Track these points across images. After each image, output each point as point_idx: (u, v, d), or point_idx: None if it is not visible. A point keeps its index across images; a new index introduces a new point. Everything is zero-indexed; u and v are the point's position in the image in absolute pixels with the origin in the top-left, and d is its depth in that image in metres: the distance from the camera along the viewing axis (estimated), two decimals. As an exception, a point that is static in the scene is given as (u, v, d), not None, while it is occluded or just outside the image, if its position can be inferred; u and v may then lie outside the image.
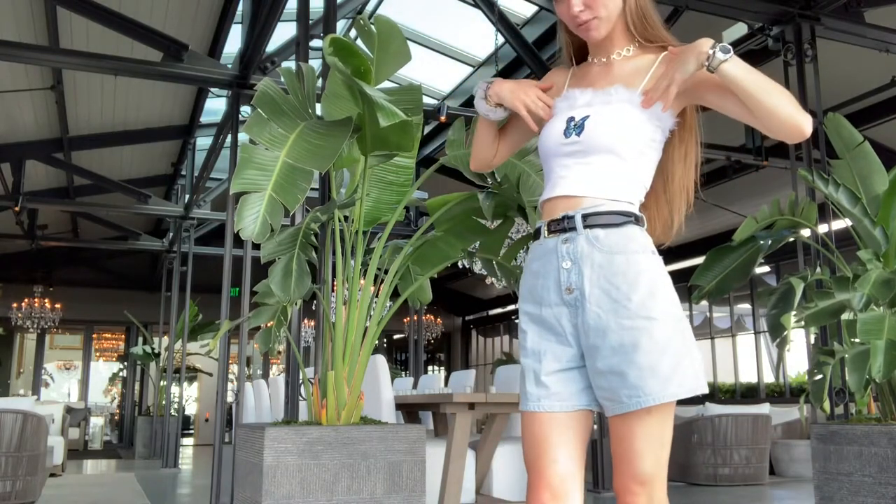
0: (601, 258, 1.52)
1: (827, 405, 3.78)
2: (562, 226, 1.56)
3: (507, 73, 8.11)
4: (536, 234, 1.64)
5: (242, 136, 6.35)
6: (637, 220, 1.60)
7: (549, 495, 1.51)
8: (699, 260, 4.18)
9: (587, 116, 1.59)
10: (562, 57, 1.80)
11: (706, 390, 1.54)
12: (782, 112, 1.46)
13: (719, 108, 1.58)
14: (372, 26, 2.87)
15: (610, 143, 1.56)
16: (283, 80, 2.95)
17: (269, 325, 3.61)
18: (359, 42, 2.95)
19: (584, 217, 1.55)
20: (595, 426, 6.60)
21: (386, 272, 3.30)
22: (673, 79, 1.51)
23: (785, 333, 3.73)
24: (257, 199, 2.61)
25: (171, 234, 11.13)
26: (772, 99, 1.46)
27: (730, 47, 1.47)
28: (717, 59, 1.46)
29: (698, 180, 1.77)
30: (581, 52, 1.77)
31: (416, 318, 11.89)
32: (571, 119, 1.61)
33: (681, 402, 1.55)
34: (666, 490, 1.53)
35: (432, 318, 15.29)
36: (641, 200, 1.65)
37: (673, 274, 1.57)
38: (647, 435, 1.47)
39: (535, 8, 7.63)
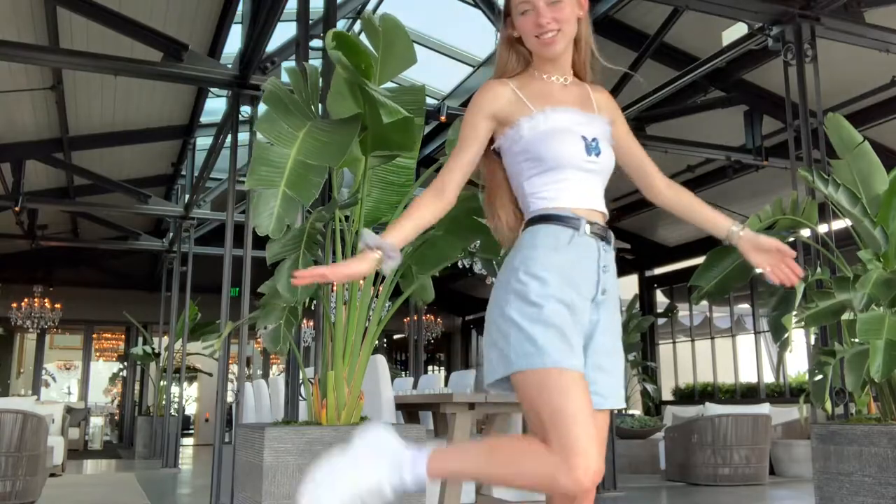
0: (616, 275, 1.76)
1: (828, 405, 3.78)
2: (602, 234, 1.73)
3: (507, 73, 8.10)
4: (557, 221, 1.70)
5: (243, 136, 6.36)
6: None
7: (595, 448, 1.52)
8: (699, 260, 4.18)
9: (596, 139, 1.75)
10: (506, 72, 1.84)
11: None
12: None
13: (620, 155, 1.86)
14: (379, 25, 2.87)
15: (610, 167, 1.80)
16: (286, 79, 2.96)
17: (279, 323, 3.61)
18: (363, 39, 2.95)
19: (613, 237, 1.77)
20: (595, 426, 6.59)
21: (386, 272, 3.30)
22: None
23: (787, 334, 3.73)
24: (271, 196, 2.63)
25: (171, 234, 11.13)
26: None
27: None
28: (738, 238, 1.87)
29: None
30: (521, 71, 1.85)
31: (416, 318, 11.89)
32: (584, 138, 1.74)
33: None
34: None
35: (432, 318, 15.28)
36: None
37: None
38: (606, 432, 1.71)
39: (535, 8, 7.63)
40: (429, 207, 1.76)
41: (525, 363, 1.59)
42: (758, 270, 1.89)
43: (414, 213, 1.76)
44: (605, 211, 1.77)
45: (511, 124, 1.75)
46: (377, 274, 3.28)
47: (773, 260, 1.82)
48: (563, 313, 1.62)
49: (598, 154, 1.74)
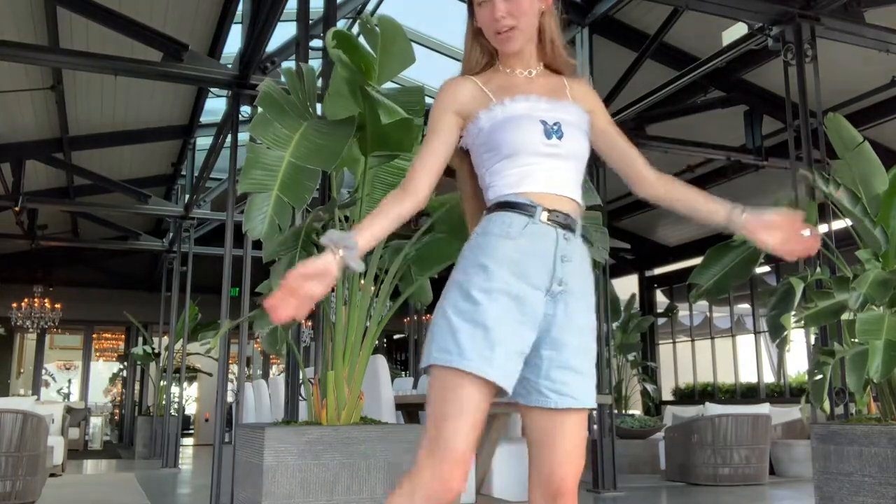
0: (584, 266, 1.67)
1: (827, 405, 3.78)
2: (564, 221, 1.64)
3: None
4: (512, 208, 1.63)
5: (243, 136, 6.36)
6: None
7: (463, 474, 1.52)
8: (699, 260, 4.18)
9: (558, 122, 1.67)
10: (471, 65, 1.80)
11: None
12: None
13: (600, 146, 1.80)
14: (376, 26, 2.87)
15: (580, 151, 1.70)
16: (283, 80, 2.95)
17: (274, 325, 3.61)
18: (362, 41, 2.95)
19: (581, 226, 1.68)
20: (595, 426, 6.59)
21: (386, 273, 3.30)
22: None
23: (785, 334, 3.72)
24: (264, 199, 2.62)
25: (171, 234, 11.12)
26: None
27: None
28: (740, 220, 1.69)
29: None
30: (486, 67, 1.79)
31: (416, 318, 11.89)
32: (545, 122, 1.66)
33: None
34: None
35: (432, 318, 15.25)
36: None
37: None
38: (583, 433, 1.63)
39: (535, 8, 7.63)
40: (398, 206, 1.65)
41: (441, 359, 1.54)
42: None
43: (384, 212, 1.64)
44: (576, 198, 1.67)
45: (472, 119, 1.70)
46: (377, 275, 3.28)
47: (785, 234, 1.65)
48: (504, 311, 1.54)
49: (560, 137, 1.65)
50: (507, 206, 1.63)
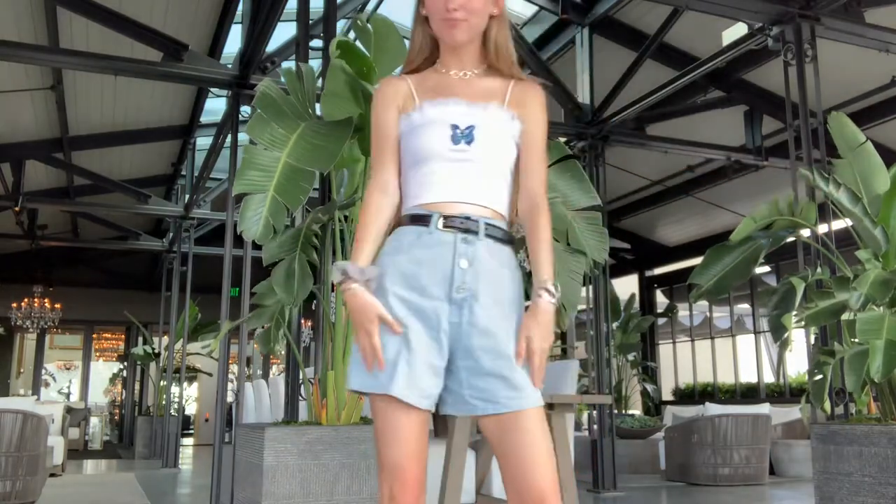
0: (495, 269, 1.60)
1: (827, 405, 3.78)
2: (464, 225, 1.60)
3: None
4: (414, 221, 1.63)
5: (243, 137, 6.35)
6: (514, 243, 1.69)
7: (412, 489, 1.55)
8: (699, 260, 4.18)
9: (472, 126, 1.64)
10: (404, 69, 1.80)
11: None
12: None
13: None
14: (369, 26, 2.88)
15: (495, 156, 1.65)
16: (283, 80, 2.95)
17: (265, 326, 3.61)
18: (359, 44, 2.96)
19: (486, 226, 1.61)
20: (595, 426, 6.59)
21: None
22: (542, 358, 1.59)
23: (787, 334, 3.72)
24: (260, 200, 2.62)
25: (171, 234, 11.12)
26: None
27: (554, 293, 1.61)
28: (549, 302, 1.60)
29: None
30: (426, 64, 1.78)
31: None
32: (456, 126, 1.64)
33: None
34: None
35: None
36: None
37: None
38: (539, 435, 1.55)
39: (535, 8, 7.64)
40: (387, 211, 1.67)
41: (355, 384, 1.60)
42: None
43: (376, 223, 1.66)
44: (486, 202, 1.63)
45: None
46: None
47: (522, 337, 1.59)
48: (406, 327, 1.55)
49: (469, 142, 1.62)
50: (407, 219, 1.64)
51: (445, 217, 1.60)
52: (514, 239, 1.68)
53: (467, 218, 1.60)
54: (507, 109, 1.68)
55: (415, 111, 1.68)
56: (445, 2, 1.64)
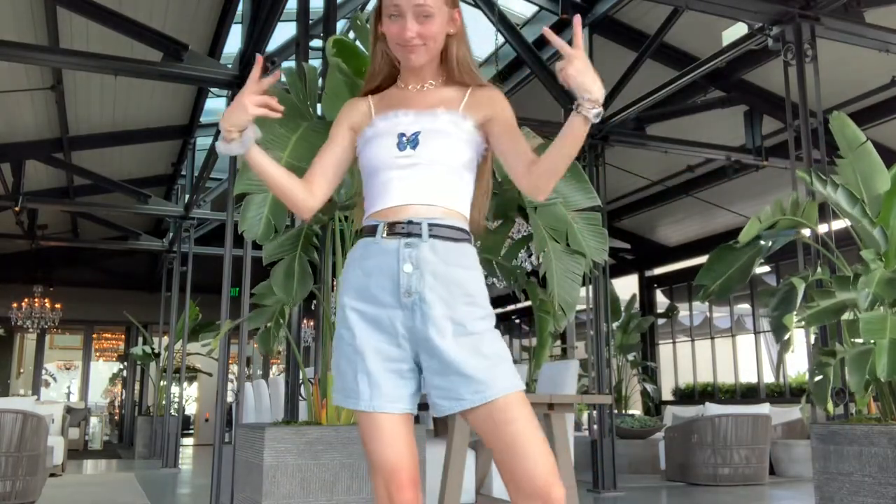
0: (442, 268, 1.60)
1: (830, 406, 3.78)
2: (406, 230, 1.62)
3: (507, 73, 8.11)
4: (366, 233, 1.69)
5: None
6: (468, 239, 1.68)
7: (404, 486, 1.59)
8: (698, 260, 4.19)
9: (418, 132, 1.67)
10: (366, 86, 1.85)
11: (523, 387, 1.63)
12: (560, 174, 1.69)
13: (496, 148, 1.75)
14: (368, 25, 2.87)
15: (443, 157, 1.67)
16: (284, 79, 2.95)
17: (266, 325, 3.61)
18: (359, 44, 2.95)
19: (430, 226, 1.62)
20: (595, 425, 6.59)
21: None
22: (574, 66, 1.58)
23: (788, 334, 3.72)
24: (261, 200, 2.62)
25: (171, 234, 11.12)
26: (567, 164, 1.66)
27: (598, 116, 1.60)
28: (590, 111, 1.60)
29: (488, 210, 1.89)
30: (387, 83, 1.82)
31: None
32: (402, 135, 1.68)
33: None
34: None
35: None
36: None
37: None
38: (525, 423, 1.54)
39: (535, 8, 7.64)
40: (299, 189, 1.73)
41: (336, 399, 1.68)
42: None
43: (291, 177, 1.73)
44: (434, 201, 1.64)
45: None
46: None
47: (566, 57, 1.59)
48: (365, 339, 1.60)
49: (414, 146, 1.65)
50: (362, 233, 1.70)
51: (389, 224, 1.63)
52: (469, 235, 1.69)
53: (410, 222, 1.62)
54: (459, 112, 1.71)
55: (369, 127, 1.74)
56: (401, 30, 1.66)
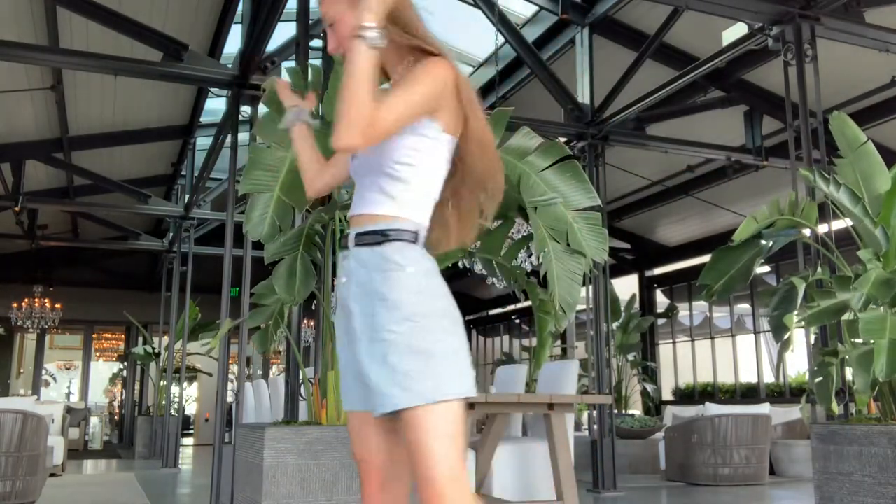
0: (364, 275, 1.60)
1: (834, 406, 3.78)
2: (344, 243, 1.70)
3: (508, 73, 8.11)
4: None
5: (243, 136, 6.35)
6: (395, 237, 1.59)
7: (370, 476, 1.67)
8: (698, 260, 4.19)
9: None
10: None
11: (471, 393, 1.61)
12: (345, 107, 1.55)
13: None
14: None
15: (374, 160, 1.63)
16: (287, 79, 2.95)
17: (265, 325, 3.61)
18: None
19: (357, 236, 1.63)
20: (595, 426, 6.59)
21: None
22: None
23: (789, 334, 3.72)
24: (266, 200, 2.62)
25: (171, 234, 11.13)
26: (350, 93, 1.55)
27: (375, 38, 1.53)
28: (366, 35, 1.53)
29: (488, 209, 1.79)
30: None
31: (416, 318, 11.87)
32: None
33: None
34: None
35: (432, 318, 15.23)
36: (425, 210, 1.64)
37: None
38: (412, 435, 1.52)
39: (535, 8, 7.64)
40: (315, 168, 1.90)
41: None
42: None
43: (321, 160, 1.91)
44: (362, 209, 1.63)
45: None
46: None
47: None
48: (340, 344, 1.70)
49: (354, 155, 1.71)
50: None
51: (345, 236, 1.71)
52: (391, 232, 1.59)
53: (344, 235, 1.71)
54: None
55: None
56: (329, 43, 1.76)
